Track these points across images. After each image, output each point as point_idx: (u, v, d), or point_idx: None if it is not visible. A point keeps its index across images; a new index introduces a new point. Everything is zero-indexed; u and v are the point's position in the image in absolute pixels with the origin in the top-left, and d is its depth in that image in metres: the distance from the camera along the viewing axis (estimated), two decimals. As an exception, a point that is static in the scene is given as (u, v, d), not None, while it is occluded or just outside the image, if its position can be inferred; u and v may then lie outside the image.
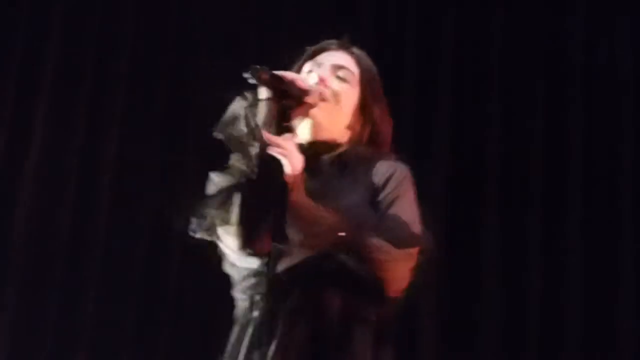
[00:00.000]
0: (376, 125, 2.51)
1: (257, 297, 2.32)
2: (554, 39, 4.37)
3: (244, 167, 2.30)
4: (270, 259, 2.26)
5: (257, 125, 2.29)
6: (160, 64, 4.51)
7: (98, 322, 4.25)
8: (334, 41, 2.56)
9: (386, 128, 2.54)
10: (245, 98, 2.34)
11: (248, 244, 2.29)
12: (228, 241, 2.30)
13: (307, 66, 2.51)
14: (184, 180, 4.20)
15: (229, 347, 2.36)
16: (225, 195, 2.31)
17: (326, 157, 2.43)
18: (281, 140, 2.27)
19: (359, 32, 2.62)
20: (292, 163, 2.26)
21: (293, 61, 2.54)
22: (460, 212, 4.18)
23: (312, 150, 2.42)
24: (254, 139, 2.29)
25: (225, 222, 2.29)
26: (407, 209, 2.38)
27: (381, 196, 2.39)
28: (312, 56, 2.53)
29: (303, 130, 2.45)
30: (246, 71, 2.26)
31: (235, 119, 2.33)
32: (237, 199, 2.28)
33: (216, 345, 2.42)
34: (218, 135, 2.34)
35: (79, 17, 4.57)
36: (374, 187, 2.40)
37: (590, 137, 4.25)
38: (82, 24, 4.57)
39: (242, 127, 2.31)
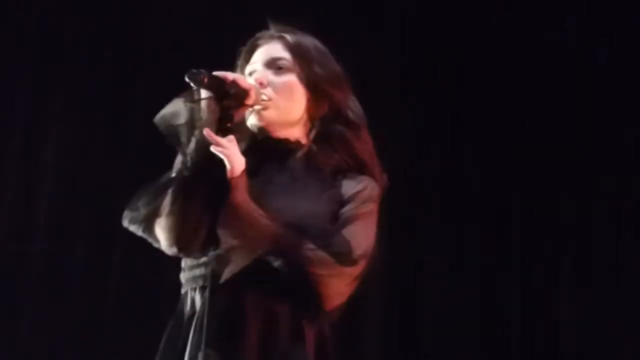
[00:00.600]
0: (334, 100, 2.44)
1: (194, 293, 2.30)
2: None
3: (178, 163, 2.29)
4: (208, 261, 2.23)
5: (197, 123, 2.26)
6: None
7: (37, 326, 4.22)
8: (263, 33, 2.51)
9: (348, 103, 2.47)
10: (189, 94, 2.31)
11: (177, 240, 2.26)
12: (160, 236, 2.28)
13: (247, 69, 2.48)
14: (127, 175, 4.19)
15: (163, 343, 2.34)
16: (158, 188, 2.29)
17: (295, 155, 2.40)
18: (224, 140, 2.24)
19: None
20: (233, 164, 2.23)
21: (234, 65, 2.50)
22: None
23: (277, 148, 2.40)
24: (193, 135, 2.26)
25: (155, 215, 2.27)
26: (358, 231, 2.32)
27: (342, 211, 2.34)
28: (247, 57, 2.49)
29: (260, 131, 2.42)
30: (187, 74, 2.24)
31: (175, 113, 2.30)
32: (169, 193, 2.25)
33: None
34: (158, 124, 2.31)
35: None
36: (340, 199, 2.36)
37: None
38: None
39: (182, 122, 2.28)
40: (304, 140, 2.44)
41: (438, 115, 4.41)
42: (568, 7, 4.40)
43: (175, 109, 2.31)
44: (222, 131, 2.27)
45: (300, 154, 2.41)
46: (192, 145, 2.26)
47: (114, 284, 4.26)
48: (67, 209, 4.33)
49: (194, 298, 2.29)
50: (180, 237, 2.26)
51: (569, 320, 4.17)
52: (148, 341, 2.37)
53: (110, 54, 4.48)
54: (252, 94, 2.34)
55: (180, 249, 2.29)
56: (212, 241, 2.26)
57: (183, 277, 2.36)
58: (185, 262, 2.36)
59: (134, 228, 2.32)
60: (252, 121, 2.42)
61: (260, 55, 2.47)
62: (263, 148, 2.40)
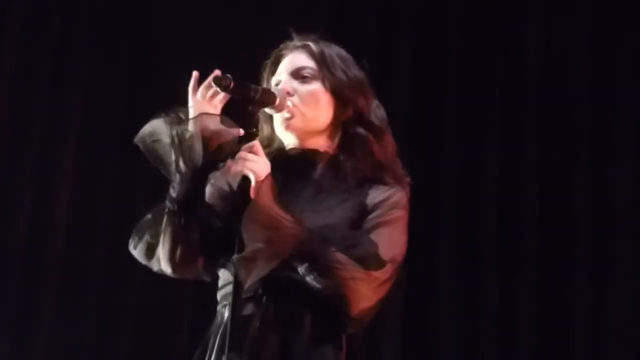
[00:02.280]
0: (358, 106, 2.47)
1: (224, 310, 2.32)
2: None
3: (170, 190, 2.33)
4: (235, 268, 2.22)
5: (185, 150, 2.30)
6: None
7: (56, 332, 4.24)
8: (286, 44, 2.54)
9: (372, 108, 2.50)
10: (170, 115, 2.35)
11: (173, 267, 2.34)
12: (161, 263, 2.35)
13: (273, 80, 2.50)
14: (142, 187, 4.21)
15: (197, 353, 2.36)
16: (154, 219, 2.35)
17: (319, 164, 2.43)
18: (243, 153, 2.27)
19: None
20: (256, 171, 2.25)
21: (260, 78, 2.53)
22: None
23: (303, 160, 2.43)
24: (180, 159, 2.30)
25: (155, 245, 2.34)
26: (386, 236, 2.34)
27: (367, 219, 2.36)
28: (272, 69, 2.53)
29: (289, 141, 2.46)
30: (213, 79, 2.28)
31: (154, 132, 2.33)
32: (164, 223, 2.32)
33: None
34: (138, 143, 2.35)
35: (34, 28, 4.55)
36: (364, 208, 2.38)
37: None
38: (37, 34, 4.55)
39: (166, 142, 2.32)
40: (331, 149, 2.46)
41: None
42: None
43: (154, 129, 2.34)
44: (247, 137, 2.30)
45: (325, 164, 2.43)
46: (178, 178, 2.31)
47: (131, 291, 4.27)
48: (85, 214, 4.35)
49: (224, 313, 2.32)
50: (175, 263, 2.33)
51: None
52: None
53: (127, 57, 4.50)
54: (278, 100, 2.37)
55: (180, 273, 2.37)
56: (214, 261, 2.34)
57: (218, 294, 2.40)
58: (220, 281, 2.40)
59: (138, 257, 2.39)
60: (280, 131, 2.46)
61: (285, 66, 2.50)
62: (290, 162, 2.44)
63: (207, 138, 2.30)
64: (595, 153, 4.19)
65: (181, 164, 2.31)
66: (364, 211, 2.37)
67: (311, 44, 2.50)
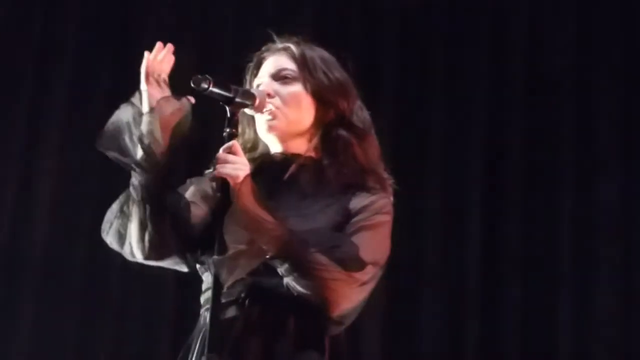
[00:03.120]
0: (339, 108, 2.46)
1: (207, 313, 2.30)
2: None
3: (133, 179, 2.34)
4: (215, 269, 2.22)
5: (143, 138, 2.30)
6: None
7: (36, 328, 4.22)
8: (268, 46, 2.54)
9: (354, 110, 2.49)
10: (132, 105, 2.36)
11: (143, 253, 2.33)
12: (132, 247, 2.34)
13: (255, 82, 2.50)
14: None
15: (179, 356, 2.36)
16: (120, 205, 2.37)
17: (303, 169, 2.41)
18: (222, 155, 2.26)
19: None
20: (233, 175, 2.24)
21: (243, 81, 2.53)
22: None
23: (287, 165, 2.41)
24: (143, 152, 2.30)
25: (124, 230, 2.35)
26: (368, 239, 2.33)
27: (350, 222, 2.35)
28: (254, 71, 2.53)
29: (272, 142, 2.46)
30: (192, 80, 2.27)
31: (120, 129, 2.36)
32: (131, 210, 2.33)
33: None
34: (105, 149, 2.36)
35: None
36: (348, 213, 2.36)
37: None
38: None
39: (125, 136, 2.33)
40: (313, 153, 2.45)
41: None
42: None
43: (114, 123, 2.38)
44: (228, 138, 2.29)
45: (309, 169, 2.42)
46: (139, 169, 2.32)
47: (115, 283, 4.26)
48: (67, 210, 4.33)
49: (206, 317, 2.29)
50: (145, 250, 2.33)
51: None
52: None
53: (111, 55, 4.50)
54: (258, 101, 2.37)
55: (152, 260, 2.36)
56: (192, 254, 2.33)
57: (202, 298, 2.39)
58: (203, 284, 2.39)
59: (111, 244, 2.39)
60: (262, 133, 2.46)
61: (266, 68, 2.50)
62: (274, 167, 2.43)
63: (165, 121, 2.30)
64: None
65: (140, 152, 2.30)
66: (347, 216, 2.36)
67: (292, 46, 2.50)
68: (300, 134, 2.45)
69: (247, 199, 2.23)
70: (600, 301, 4.08)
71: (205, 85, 2.26)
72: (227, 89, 2.30)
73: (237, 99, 2.31)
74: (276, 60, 2.49)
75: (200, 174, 2.48)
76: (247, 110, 2.39)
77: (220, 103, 2.31)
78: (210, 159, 2.33)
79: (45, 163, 4.38)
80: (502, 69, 4.35)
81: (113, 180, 4.23)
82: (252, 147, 2.49)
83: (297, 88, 2.46)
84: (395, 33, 4.42)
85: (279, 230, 2.24)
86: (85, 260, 4.25)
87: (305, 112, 2.45)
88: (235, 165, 2.25)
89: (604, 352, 4.04)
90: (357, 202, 2.38)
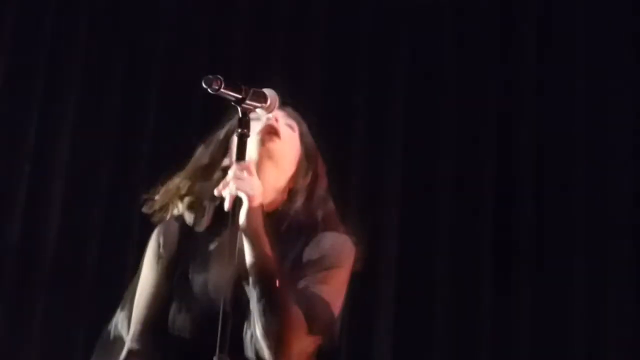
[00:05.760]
0: (319, 177, 2.53)
1: None
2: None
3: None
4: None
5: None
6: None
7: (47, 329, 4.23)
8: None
9: (326, 184, 2.56)
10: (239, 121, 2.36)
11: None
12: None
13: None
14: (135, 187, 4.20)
15: None
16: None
17: (273, 214, 2.44)
18: (237, 172, 2.27)
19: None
20: (253, 193, 2.27)
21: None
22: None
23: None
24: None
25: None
26: (332, 288, 2.36)
27: (315, 264, 2.38)
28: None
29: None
30: (203, 80, 2.27)
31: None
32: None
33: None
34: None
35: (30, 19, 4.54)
36: (309, 256, 2.40)
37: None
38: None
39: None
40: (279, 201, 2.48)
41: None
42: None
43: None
44: (240, 137, 2.30)
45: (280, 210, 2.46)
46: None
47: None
48: (79, 210, 4.34)
49: None
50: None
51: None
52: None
53: (121, 56, 4.50)
54: (269, 101, 2.37)
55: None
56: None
57: None
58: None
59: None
60: (254, 150, 2.42)
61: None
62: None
63: None
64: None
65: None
66: (312, 259, 2.39)
67: (291, 110, 2.57)
68: (277, 179, 2.46)
69: (259, 223, 2.28)
70: (614, 305, 4.07)
71: (216, 86, 2.26)
72: (238, 89, 2.30)
73: (248, 100, 2.31)
74: (280, 112, 2.51)
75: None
76: (259, 111, 2.39)
77: (232, 103, 2.31)
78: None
79: (57, 163, 4.38)
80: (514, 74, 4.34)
81: (125, 181, 4.33)
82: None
83: (296, 138, 2.53)
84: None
85: (274, 268, 2.28)
86: (97, 260, 4.26)
87: (290, 164, 2.49)
88: (253, 184, 2.28)
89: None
90: (322, 244, 2.42)
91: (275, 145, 2.45)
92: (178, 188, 2.49)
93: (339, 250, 2.44)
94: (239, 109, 2.31)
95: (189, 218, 2.48)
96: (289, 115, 2.54)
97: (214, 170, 2.49)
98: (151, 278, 2.48)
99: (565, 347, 4.04)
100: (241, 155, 2.29)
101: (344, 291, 2.42)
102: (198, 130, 4.25)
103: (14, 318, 4.23)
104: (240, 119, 2.31)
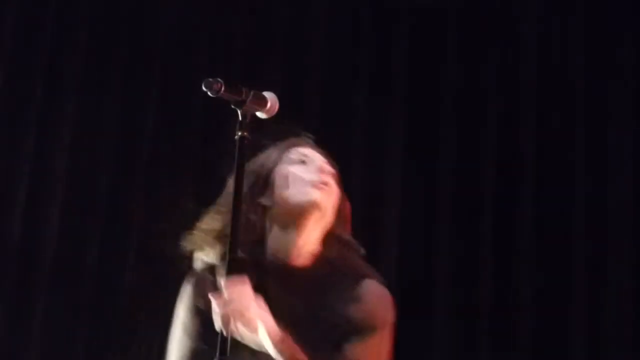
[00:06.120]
0: (347, 219, 2.48)
1: None
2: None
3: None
4: None
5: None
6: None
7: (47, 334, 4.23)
8: (310, 137, 2.53)
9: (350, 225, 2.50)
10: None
11: None
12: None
13: (293, 152, 2.46)
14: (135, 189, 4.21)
15: None
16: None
17: (311, 266, 2.39)
18: (233, 305, 2.16)
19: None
20: (253, 326, 2.19)
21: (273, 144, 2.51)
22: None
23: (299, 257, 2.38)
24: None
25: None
26: (377, 350, 2.34)
27: (359, 328, 2.33)
28: (293, 145, 2.49)
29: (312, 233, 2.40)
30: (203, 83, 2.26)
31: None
32: None
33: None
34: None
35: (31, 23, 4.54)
36: (352, 313, 2.34)
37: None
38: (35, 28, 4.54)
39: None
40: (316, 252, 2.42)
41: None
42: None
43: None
44: (240, 140, 2.27)
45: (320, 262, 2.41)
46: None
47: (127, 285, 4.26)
48: (79, 210, 4.34)
49: None
50: None
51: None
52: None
53: (121, 60, 4.50)
54: (269, 103, 2.35)
55: None
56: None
57: None
58: None
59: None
60: (311, 196, 2.37)
61: (313, 152, 2.47)
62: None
63: None
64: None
65: None
66: (358, 313, 2.35)
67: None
68: (321, 231, 2.41)
69: (283, 341, 2.21)
70: (614, 304, 4.07)
71: (216, 88, 2.26)
72: (239, 92, 2.29)
73: (249, 102, 2.30)
74: (319, 153, 2.47)
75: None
76: (258, 114, 2.37)
77: (232, 106, 2.30)
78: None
79: (57, 164, 4.38)
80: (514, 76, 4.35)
81: (125, 182, 4.33)
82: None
83: (336, 187, 2.44)
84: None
85: None
86: (97, 261, 4.26)
87: (331, 212, 2.43)
88: (248, 313, 2.17)
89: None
90: (364, 298, 2.36)
91: (328, 199, 2.41)
92: (208, 231, 2.39)
93: (382, 308, 2.39)
94: (239, 111, 2.29)
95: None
96: (327, 156, 2.48)
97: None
98: (189, 335, 2.38)
99: (566, 347, 4.05)
100: (241, 160, 2.26)
101: (389, 351, 2.38)
102: (198, 130, 4.37)
103: (14, 318, 4.23)
104: (240, 122, 2.29)
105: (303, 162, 2.43)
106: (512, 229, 4.21)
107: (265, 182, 2.42)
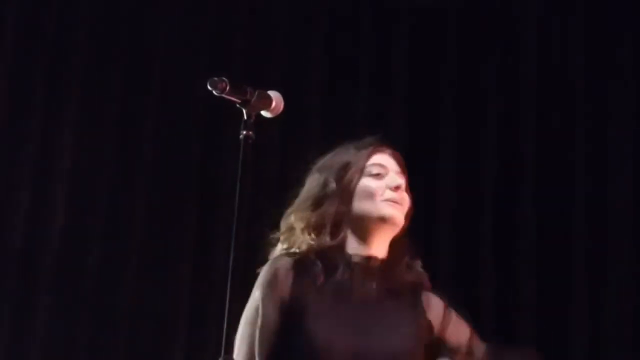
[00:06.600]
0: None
1: None
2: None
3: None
4: None
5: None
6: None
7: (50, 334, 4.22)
8: (387, 145, 2.64)
9: None
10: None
11: None
12: None
13: (372, 163, 2.57)
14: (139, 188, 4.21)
15: None
16: None
17: (376, 276, 2.50)
18: None
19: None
20: None
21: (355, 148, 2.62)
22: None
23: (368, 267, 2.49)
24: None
25: None
26: None
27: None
28: (374, 152, 2.60)
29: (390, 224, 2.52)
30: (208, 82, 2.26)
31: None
32: None
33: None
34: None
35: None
36: (426, 317, 2.55)
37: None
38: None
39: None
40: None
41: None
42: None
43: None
44: (244, 140, 2.28)
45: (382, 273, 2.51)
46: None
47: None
48: (81, 212, 4.34)
49: None
50: None
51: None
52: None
53: (122, 61, 4.50)
54: (274, 103, 2.36)
55: None
56: None
57: None
58: None
59: None
60: (388, 211, 2.51)
61: (389, 161, 2.60)
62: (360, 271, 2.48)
63: None
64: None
65: None
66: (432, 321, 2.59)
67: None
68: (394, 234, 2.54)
69: None
70: (614, 304, 4.08)
71: (221, 87, 2.26)
72: (243, 91, 2.30)
73: (253, 102, 2.31)
74: (394, 161, 2.59)
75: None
76: (264, 113, 2.38)
77: (237, 105, 2.31)
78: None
79: (59, 166, 4.37)
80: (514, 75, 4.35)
81: (126, 182, 4.32)
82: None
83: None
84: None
85: None
86: (99, 262, 4.25)
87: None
88: None
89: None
90: (434, 305, 2.61)
91: (402, 214, 2.54)
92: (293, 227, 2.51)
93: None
94: (244, 111, 2.30)
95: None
96: (400, 162, 2.61)
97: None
98: (270, 315, 2.44)
99: (566, 347, 4.05)
100: (246, 158, 2.27)
101: None
102: (198, 131, 4.36)
103: (16, 319, 4.22)
104: (245, 121, 2.30)
105: (379, 176, 2.53)
106: (512, 229, 4.21)
107: (348, 192, 2.51)
